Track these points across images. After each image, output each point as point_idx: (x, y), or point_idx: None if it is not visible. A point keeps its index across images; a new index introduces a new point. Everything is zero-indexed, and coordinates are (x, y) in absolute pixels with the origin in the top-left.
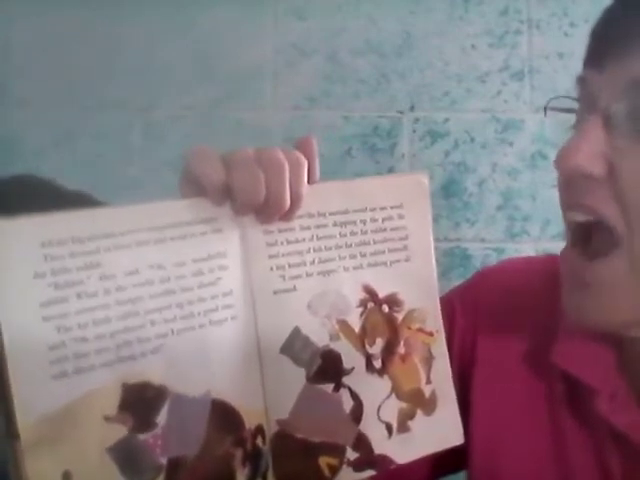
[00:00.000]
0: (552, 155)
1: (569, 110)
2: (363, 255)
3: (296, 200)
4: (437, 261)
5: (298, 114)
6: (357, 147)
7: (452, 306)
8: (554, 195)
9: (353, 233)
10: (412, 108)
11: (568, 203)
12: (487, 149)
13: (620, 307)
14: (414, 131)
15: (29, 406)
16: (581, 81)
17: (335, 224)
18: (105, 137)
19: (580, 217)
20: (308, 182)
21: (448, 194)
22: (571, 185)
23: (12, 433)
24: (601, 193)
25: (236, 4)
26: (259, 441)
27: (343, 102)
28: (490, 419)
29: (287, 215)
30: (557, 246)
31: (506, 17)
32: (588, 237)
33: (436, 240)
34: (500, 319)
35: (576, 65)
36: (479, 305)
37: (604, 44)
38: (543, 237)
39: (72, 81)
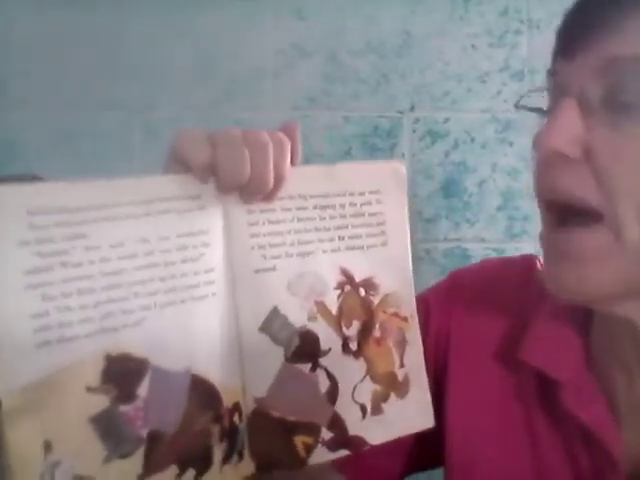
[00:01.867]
0: None
1: (538, 110)
2: (341, 238)
3: (279, 180)
4: (437, 261)
5: (298, 114)
6: (357, 147)
7: (427, 304)
8: None
9: (332, 217)
10: (412, 108)
11: (545, 187)
12: (487, 149)
13: (601, 278)
14: (414, 131)
15: (11, 374)
16: (551, 74)
17: (315, 207)
18: (105, 137)
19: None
20: (290, 164)
21: (448, 194)
22: (548, 168)
23: None
24: (578, 174)
25: (236, 4)
26: (236, 418)
27: (343, 102)
28: (465, 415)
29: (269, 195)
30: None
31: (506, 17)
32: (566, 213)
33: (436, 240)
34: (473, 318)
35: None
36: (453, 303)
37: (572, 33)
38: None
39: (72, 81)
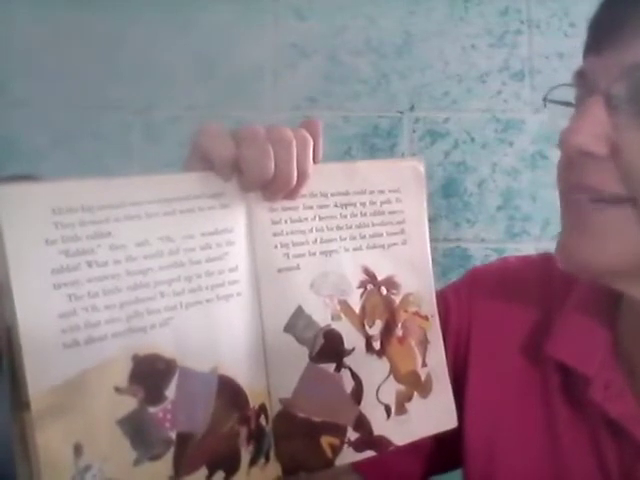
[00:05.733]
0: (552, 155)
1: (568, 103)
2: (362, 237)
3: (302, 178)
4: (437, 261)
5: (298, 114)
6: (357, 147)
7: (446, 301)
8: (554, 195)
9: (353, 215)
10: (412, 108)
11: (570, 184)
12: (487, 149)
13: (616, 250)
14: (414, 131)
15: (40, 375)
16: (579, 71)
17: (336, 205)
18: (105, 137)
19: (583, 197)
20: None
21: (448, 194)
22: (573, 166)
23: (21, 404)
24: (604, 172)
25: (236, 4)
26: (262, 420)
27: (343, 102)
28: (485, 413)
29: (292, 193)
30: None
31: (506, 17)
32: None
33: (436, 240)
34: (494, 314)
35: (576, 65)
36: (473, 301)
37: (601, 30)
38: (543, 237)
39: (72, 81)
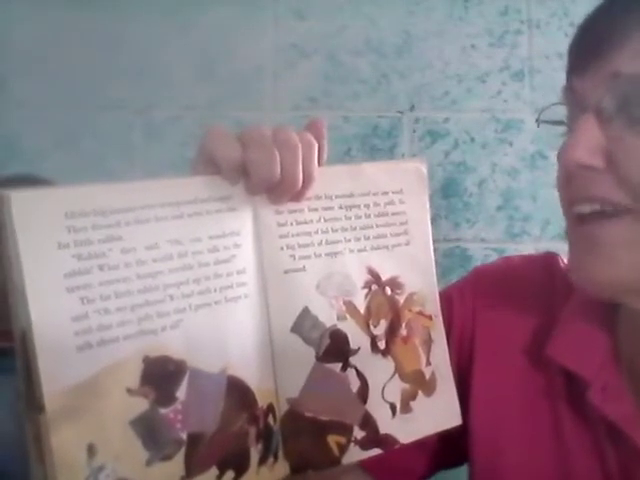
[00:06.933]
0: (552, 155)
1: (560, 123)
2: (367, 238)
3: (308, 180)
4: (437, 261)
5: (298, 114)
6: (357, 147)
7: (450, 301)
8: (554, 195)
9: (357, 216)
10: (412, 108)
11: (573, 198)
12: (487, 149)
13: (633, 263)
14: (414, 131)
15: (54, 377)
16: (567, 90)
17: (341, 207)
18: (105, 137)
19: (587, 208)
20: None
21: (448, 194)
22: (574, 180)
23: (36, 406)
24: (604, 183)
25: (236, 4)
26: (270, 419)
27: (343, 102)
28: (490, 412)
29: (298, 195)
30: (557, 246)
31: (506, 17)
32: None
33: (436, 240)
34: (498, 313)
35: None
36: (477, 300)
37: (582, 50)
38: (543, 237)
39: (72, 81)
